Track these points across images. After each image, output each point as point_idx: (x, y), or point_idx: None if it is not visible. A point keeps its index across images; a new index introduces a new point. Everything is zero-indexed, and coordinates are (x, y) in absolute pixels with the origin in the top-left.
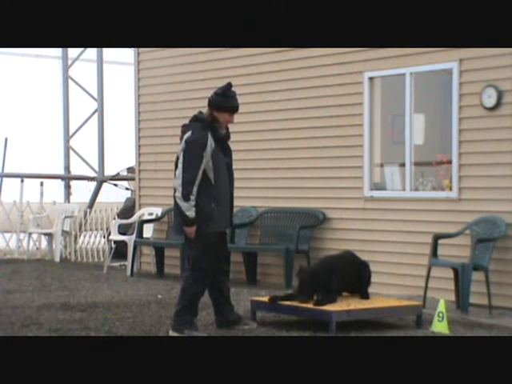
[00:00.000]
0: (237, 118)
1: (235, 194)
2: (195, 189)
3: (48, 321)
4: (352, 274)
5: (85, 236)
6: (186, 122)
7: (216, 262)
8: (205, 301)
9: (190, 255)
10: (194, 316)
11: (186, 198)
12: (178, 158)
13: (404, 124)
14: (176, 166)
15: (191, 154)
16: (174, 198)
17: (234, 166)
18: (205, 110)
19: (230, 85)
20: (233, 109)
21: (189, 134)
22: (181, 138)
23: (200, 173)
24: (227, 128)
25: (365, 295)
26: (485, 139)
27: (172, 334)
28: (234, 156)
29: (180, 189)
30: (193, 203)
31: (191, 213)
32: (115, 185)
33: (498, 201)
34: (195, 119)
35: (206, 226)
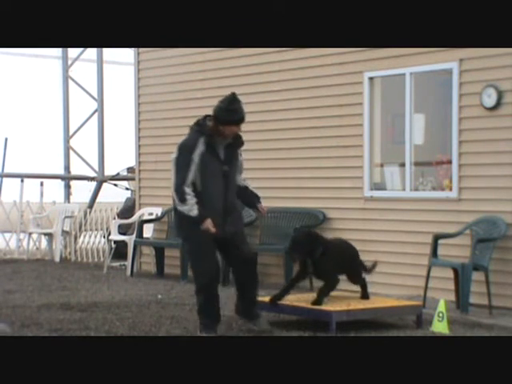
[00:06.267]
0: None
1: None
2: (188, 189)
3: (48, 321)
4: (345, 258)
5: (85, 236)
6: (186, 122)
7: (233, 265)
8: None
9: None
10: (213, 321)
11: (182, 200)
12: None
13: (404, 124)
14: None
15: (180, 159)
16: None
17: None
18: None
19: (233, 96)
20: (238, 122)
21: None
22: None
23: (191, 175)
24: (238, 136)
25: (365, 295)
26: (485, 139)
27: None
28: None
29: (174, 194)
30: (192, 201)
31: (194, 211)
32: (115, 185)
33: (498, 201)
34: (197, 123)
35: (192, 231)
